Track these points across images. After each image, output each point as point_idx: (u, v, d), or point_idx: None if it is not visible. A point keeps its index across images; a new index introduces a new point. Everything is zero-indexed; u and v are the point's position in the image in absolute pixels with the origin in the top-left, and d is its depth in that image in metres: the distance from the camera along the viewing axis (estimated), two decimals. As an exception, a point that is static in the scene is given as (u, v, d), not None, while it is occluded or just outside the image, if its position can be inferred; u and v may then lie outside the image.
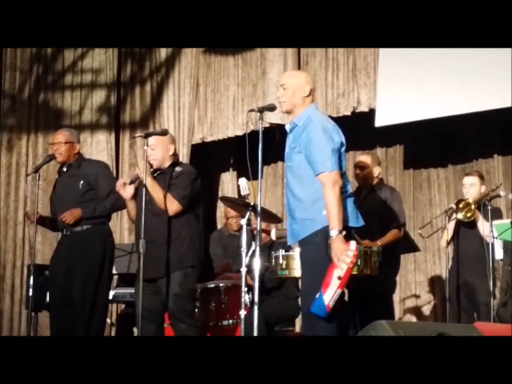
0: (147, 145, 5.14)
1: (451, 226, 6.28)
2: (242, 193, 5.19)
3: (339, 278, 4.26)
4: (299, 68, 8.17)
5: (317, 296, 4.26)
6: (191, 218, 5.36)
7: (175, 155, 5.49)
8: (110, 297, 6.71)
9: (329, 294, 4.25)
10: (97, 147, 9.13)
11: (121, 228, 8.89)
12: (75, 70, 9.30)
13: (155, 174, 5.36)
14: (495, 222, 5.92)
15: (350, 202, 4.52)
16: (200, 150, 8.94)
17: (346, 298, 5.51)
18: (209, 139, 8.83)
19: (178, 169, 5.38)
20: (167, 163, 5.40)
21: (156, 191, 5.18)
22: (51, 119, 9.23)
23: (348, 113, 7.90)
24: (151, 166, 5.35)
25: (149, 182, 5.16)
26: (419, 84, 7.38)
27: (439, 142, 8.03)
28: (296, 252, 5.16)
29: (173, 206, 5.23)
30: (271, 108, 4.66)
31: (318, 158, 4.38)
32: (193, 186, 5.34)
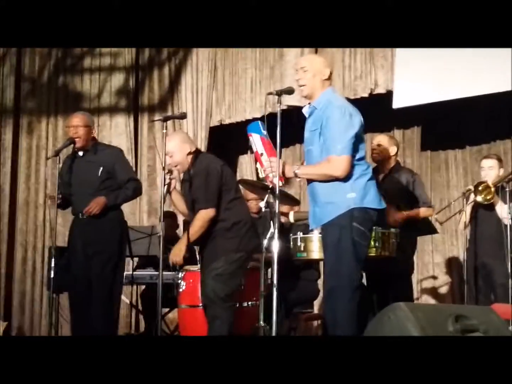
0: (165, 128, 5.18)
1: (469, 208, 6.29)
2: (260, 176, 5.22)
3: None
4: (316, 50, 8.16)
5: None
6: (231, 205, 5.40)
7: (192, 152, 5.45)
8: (131, 278, 6.83)
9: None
10: (116, 130, 9.18)
11: (140, 211, 8.96)
12: (93, 53, 9.33)
13: (183, 182, 5.46)
14: (513, 204, 5.93)
15: (372, 184, 4.54)
16: (218, 133, 8.97)
17: (364, 280, 5.57)
18: (227, 121, 8.84)
19: (192, 171, 5.40)
20: (187, 165, 5.43)
21: (194, 235, 5.32)
22: (71, 102, 9.28)
23: (366, 95, 7.90)
24: (170, 177, 5.35)
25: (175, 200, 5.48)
26: (436, 65, 7.35)
27: (457, 124, 8.03)
28: (314, 234, 5.19)
29: (206, 215, 5.30)
30: (290, 91, 4.65)
31: (331, 141, 4.41)
32: (210, 182, 5.32)
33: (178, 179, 5.51)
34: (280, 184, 4.54)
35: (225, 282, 5.29)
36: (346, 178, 4.44)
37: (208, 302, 5.31)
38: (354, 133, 4.43)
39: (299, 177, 4.59)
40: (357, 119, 4.48)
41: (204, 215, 5.29)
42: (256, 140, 4.75)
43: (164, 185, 5.22)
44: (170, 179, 5.30)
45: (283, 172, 4.50)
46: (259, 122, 4.85)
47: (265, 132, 4.72)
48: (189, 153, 5.41)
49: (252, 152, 4.93)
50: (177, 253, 5.30)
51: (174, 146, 5.39)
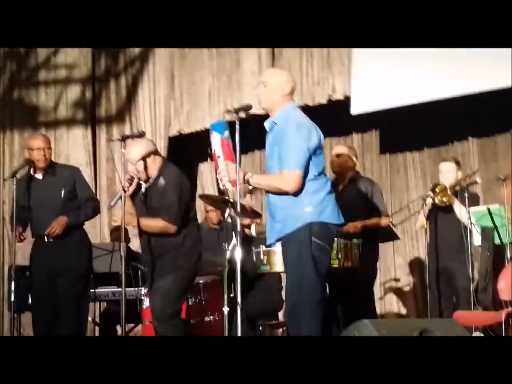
0: (124, 148, 5.12)
1: (426, 211, 6.30)
2: (221, 187, 5.14)
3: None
4: (273, 57, 8.19)
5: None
6: (189, 225, 5.35)
7: (158, 162, 5.33)
8: (93, 296, 6.77)
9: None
10: (74, 142, 9.12)
11: (101, 223, 8.88)
12: (49, 66, 9.25)
13: (144, 190, 5.31)
14: (472, 208, 5.97)
15: (331, 198, 4.52)
16: (177, 142, 8.95)
17: (327, 291, 5.59)
18: (186, 131, 8.83)
19: (161, 181, 5.26)
20: (154, 173, 5.29)
21: (147, 227, 5.25)
22: (27, 116, 9.20)
23: (324, 101, 7.93)
24: (130, 183, 5.23)
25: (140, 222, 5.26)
26: (393, 70, 7.41)
27: (414, 126, 8.06)
28: (277, 247, 5.18)
29: (170, 230, 5.23)
30: (247, 107, 4.60)
31: (285, 155, 4.41)
32: (182, 197, 5.26)
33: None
34: (232, 189, 4.57)
35: (173, 300, 5.24)
36: (303, 192, 4.43)
37: (156, 320, 5.25)
38: (309, 149, 4.41)
39: (251, 185, 4.57)
40: (315, 135, 4.47)
41: (168, 227, 5.22)
42: (216, 140, 4.79)
43: (122, 191, 5.11)
44: (129, 185, 5.22)
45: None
46: (223, 122, 4.87)
47: (226, 134, 4.71)
48: (154, 161, 5.28)
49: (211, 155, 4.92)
50: (117, 217, 5.17)
51: (138, 155, 5.25)
